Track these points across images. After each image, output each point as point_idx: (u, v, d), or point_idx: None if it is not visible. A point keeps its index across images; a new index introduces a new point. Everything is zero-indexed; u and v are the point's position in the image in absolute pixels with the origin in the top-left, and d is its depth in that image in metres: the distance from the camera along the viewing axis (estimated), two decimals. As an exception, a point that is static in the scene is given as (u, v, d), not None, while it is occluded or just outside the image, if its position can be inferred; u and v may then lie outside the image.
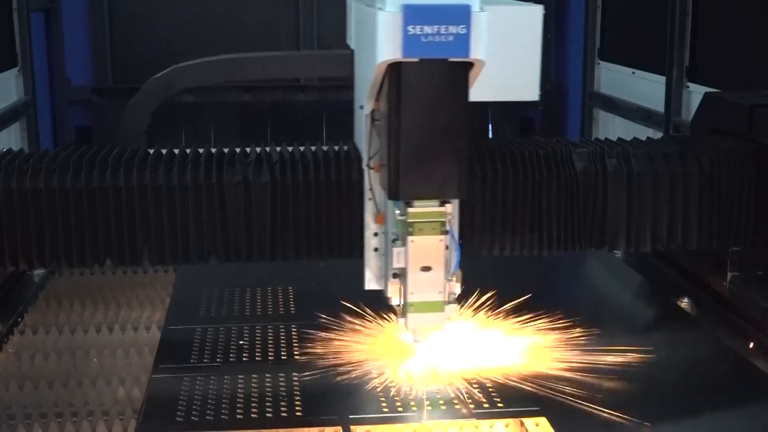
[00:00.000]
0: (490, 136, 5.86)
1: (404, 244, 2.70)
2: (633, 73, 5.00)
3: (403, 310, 2.78)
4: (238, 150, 3.13)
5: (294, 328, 3.19)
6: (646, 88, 4.77)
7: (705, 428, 2.58)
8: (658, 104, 4.54)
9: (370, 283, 2.95)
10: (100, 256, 3.01)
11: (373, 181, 2.86)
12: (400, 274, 2.75)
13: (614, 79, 5.27)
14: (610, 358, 2.99)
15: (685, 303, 3.47)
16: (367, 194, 2.89)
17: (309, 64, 3.43)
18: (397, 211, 2.70)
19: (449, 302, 2.77)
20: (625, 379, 2.84)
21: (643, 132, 4.59)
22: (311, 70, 3.45)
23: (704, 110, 3.59)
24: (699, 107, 3.61)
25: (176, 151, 3.13)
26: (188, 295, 3.49)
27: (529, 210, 3.13)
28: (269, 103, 5.77)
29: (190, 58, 3.77)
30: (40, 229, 2.97)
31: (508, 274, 3.80)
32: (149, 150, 3.15)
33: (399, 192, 2.62)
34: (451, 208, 2.70)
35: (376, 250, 2.94)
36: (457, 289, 2.80)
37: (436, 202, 2.68)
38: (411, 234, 2.68)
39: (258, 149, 3.14)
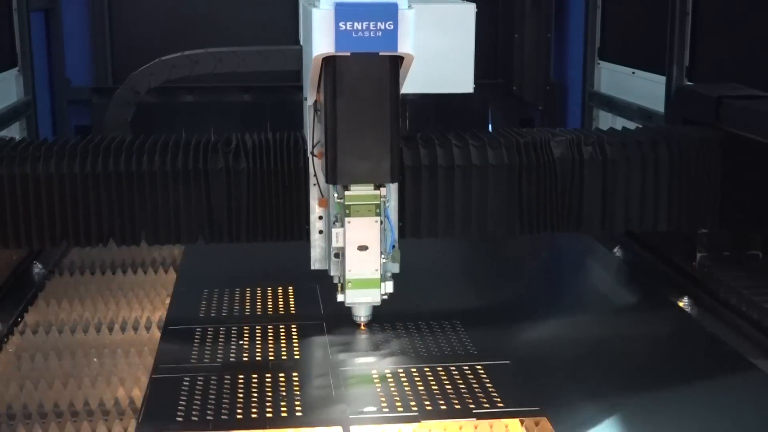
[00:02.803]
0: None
1: (342, 225, 2.95)
2: (633, 73, 5.00)
3: (343, 287, 3.01)
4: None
5: (294, 328, 3.19)
6: (646, 88, 4.77)
7: (705, 426, 2.58)
8: (658, 104, 4.54)
9: (316, 264, 3.19)
10: (103, 236, 3.26)
11: (316, 168, 3.07)
12: (340, 254, 2.99)
13: (614, 78, 5.27)
14: (612, 358, 3.00)
15: (684, 303, 3.47)
16: (312, 180, 3.12)
17: (262, 59, 3.73)
18: (336, 195, 2.95)
19: (386, 279, 3.01)
20: (625, 379, 2.84)
21: (643, 132, 4.59)
22: (264, 64, 3.77)
23: (676, 102, 3.86)
24: (671, 99, 3.89)
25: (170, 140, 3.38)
26: (188, 295, 3.49)
27: (509, 194, 3.33)
28: (269, 103, 5.77)
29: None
30: (51, 211, 3.22)
31: (506, 273, 3.81)
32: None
33: (336, 176, 2.88)
34: (386, 192, 2.94)
35: (320, 232, 3.16)
36: (396, 268, 3.04)
37: (371, 186, 2.92)
38: (348, 215, 2.93)
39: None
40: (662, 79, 4.48)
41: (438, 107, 5.54)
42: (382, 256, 2.97)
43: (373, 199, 2.93)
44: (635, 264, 3.93)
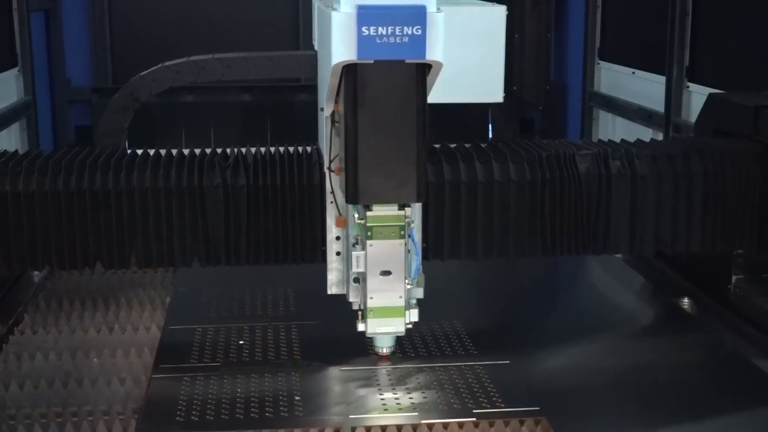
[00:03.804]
0: (490, 136, 5.86)
1: (363, 248, 2.70)
2: (633, 73, 5.00)
3: (364, 315, 2.79)
4: (218, 151, 3.17)
5: (294, 328, 3.19)
6: (646, 88, 4.78)
7: (706, 430, 2.57)
8: (658, 104, 4.55)
9: (332, 288, 2.96)
10: (90, 259, 3.03)
11: (334, 184, 2.84)
12: (360, 279, 2.76)
13: (614, 79, 5.27)
14: (611, 358, 3.00)
15: (685, 303, 3.47)
16: (329, 197, 2.89)
17: (272, 66, 3.43)
18: (356, 215, 2.70)
19: (410, 307, 2.78)
20: (625, 379, 2.84)
21: (644, 132, 4.60)
22: (274, 71, 3.46)
23: (708, 111, 3.56)
24: (703, 108, 3.59)
25: (162, 152, 3.17)
26: (188, 295, 3.49)
27: (531, 212, 3.10)
28: (269, 103, 5.78)
29: (190, 58, 3.77)
30: (32, 231, 2.99)
31: (506, 272, 3.81)
32: (137, 151, 3.19)
33: (357, 195, 2.60)
34: (411, 212, 2.69)
35: (338, 254, 2.93)
36: (420, 293, 2.80)
37: (395, 206, 2.67)
38: (370, 238, 2.68)
39: (228, 150, 3.16)
40: (662, 79, 4.48)
41: (438, 106, 5.53)
42: (407, 281, 2.74)
43: (397, 221, 2.67)
44: (637, 264, 3.93)
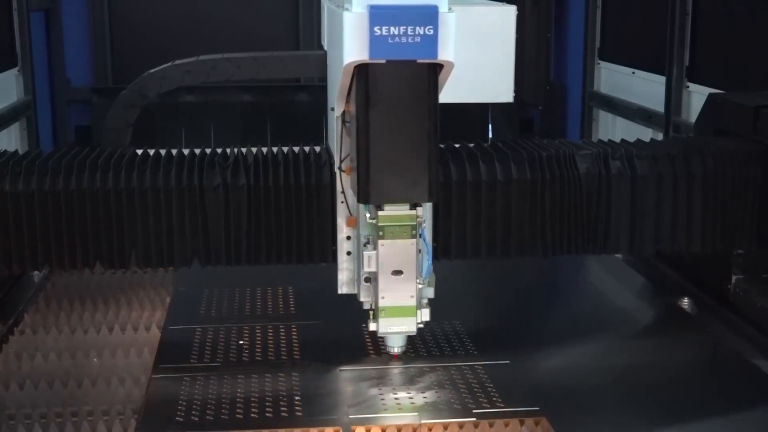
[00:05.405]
0: (490, 136, 5.86)
1: (375, 247, 2.69)
2: (633, 73, 5.00)
3: (375, 315, 2.77)
4: (218, 150, 3.14)
5: (294, 328, 3.19)
6: (646, 88, 4.78)
7: (706, 430, 2.57)
8: (658, 104, 4.55)
9: (343, 287, 2.95)
10: (90, 259, 3.01)
11: (344, 184, 2.84)
12: (372, 278, 2.75)
13: (614, 79, 5.27)
14: (611, 358, 3.00)
15: (685, 303, 3.47)
16: (339, 197, 2.89)
17: (282, 65, 3.41)
18: (368, 215, 2.69)
19: (422, 306, 2.77)
20: (625, 379, 2.84)
21: (644, 132, 4.60)
22: (284, 71, 3.44)
23: (708, 111, 3.55)
24: (703, 108, 3.58)
25: (162, 152, 3.15)
26: (188, 295, 3.49)
27: (532, 212, 3.08)
28: (269, 103, 5.78)
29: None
30: (32, 231, 2.97)
31: (506, 272, 3.81)
32: (137, 150, 3.16)
33: (368, 195, 2.59)
34: (423, 212, 2.68)
35: (348, 253, 2.92)
36: (431, 293, 2.80)
37: (406, 206, 2.66)
38: (382, 238, 2.67)
39: (236, 150, 3.13)
40: (662, 79, 4.48)
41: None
42: (418, 281, 2.73)
43: (408, 220, 2.66)
44: (636, 264, 3.93)
